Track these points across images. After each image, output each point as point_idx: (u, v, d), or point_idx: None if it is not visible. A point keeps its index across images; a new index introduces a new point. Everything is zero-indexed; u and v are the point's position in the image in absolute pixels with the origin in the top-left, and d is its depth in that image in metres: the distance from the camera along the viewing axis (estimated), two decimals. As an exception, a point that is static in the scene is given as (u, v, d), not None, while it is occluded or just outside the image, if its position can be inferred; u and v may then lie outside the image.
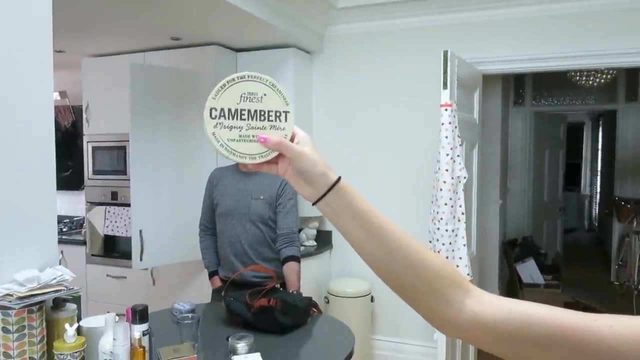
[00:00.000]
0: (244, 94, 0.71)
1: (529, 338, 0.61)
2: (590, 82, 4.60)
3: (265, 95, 0.72)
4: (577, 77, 4.68)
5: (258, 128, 0.71)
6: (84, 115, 3.93)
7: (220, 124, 0.70)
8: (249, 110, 0.71)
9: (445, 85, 2.66)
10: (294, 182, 0.71)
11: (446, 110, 2.65)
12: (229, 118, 0.70)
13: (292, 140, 0.72)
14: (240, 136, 0.70)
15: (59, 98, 4.38)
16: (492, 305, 0.65)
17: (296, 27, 3.43)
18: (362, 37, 3.76)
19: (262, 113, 0.72)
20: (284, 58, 3.66)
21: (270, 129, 0.72)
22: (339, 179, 0.69)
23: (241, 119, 0.71)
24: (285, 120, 0.73)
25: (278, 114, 0.72)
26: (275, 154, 0.71)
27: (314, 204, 0.70)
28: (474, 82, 3.26)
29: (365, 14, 3.66)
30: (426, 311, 0.68)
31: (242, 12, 2.85)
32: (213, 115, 0.70)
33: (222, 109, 0.70)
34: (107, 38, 3.50)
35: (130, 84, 3.08)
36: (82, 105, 3.98)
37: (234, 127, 0.70)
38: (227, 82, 0.71)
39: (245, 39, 3.53)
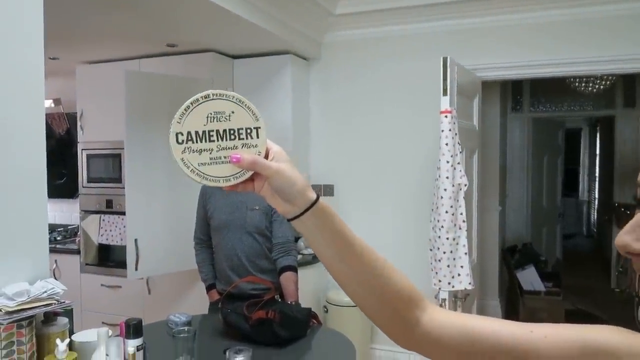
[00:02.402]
0: (211, 113, 0.67)
1: (475, 353, 0.64)
2: (590, 88, 4.58)
3: (233, 112, 0.68)
4: (576, 84, 4.66)
5: (229, 148, 0.67)
6: (79, 123, 3.88)
7: (188, 148, 0.66)
8: (217, 131, 0.67)
9: (445, 92, 2.63)
10: (270, 198, 0.67)
11: (446, 117, 2.61)
12: (197, 141, 0.66)
13: (266, 156, 0.68)
14: (211, 159, 0.66)
15: (53, 105, 4.34)
16: (443, 322, 0.68)
17: (293, 33, 3.40)
18: (360, 43, 3.74)
19: (232, 132, 0.67)
20: (281, 65, 3.63)
21: (242, 147, 0.67)
22: (318, 198, 0.67)
23: (210, 140, 0.67)
24: (257, 137, 0.68)
25: (249, 130, 0.68)
26: (250, 173, 0.67)
27: (289, 220, 0.68)
28: (473, 88, 3.23)
29: (362, 20, 3.64)
30: (384, 327, 0.71)
31: (239, 19, 2.82)
32: (180, 140, 0.66)
33: (188, 132, 0.66)
34: (102, 45, 3.46)
35: (125, 92, 3.04)
36: (76, 113, 3.94)
37: (204, 150, 0.66)
38: (191, 103, 0.67)
39: (242, 45, 3.49)
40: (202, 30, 3.10)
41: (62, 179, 4.32)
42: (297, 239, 3.64)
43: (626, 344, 0.57)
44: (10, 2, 1.48)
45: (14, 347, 1.34)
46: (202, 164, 0.66)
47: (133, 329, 1.48)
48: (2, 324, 1.31)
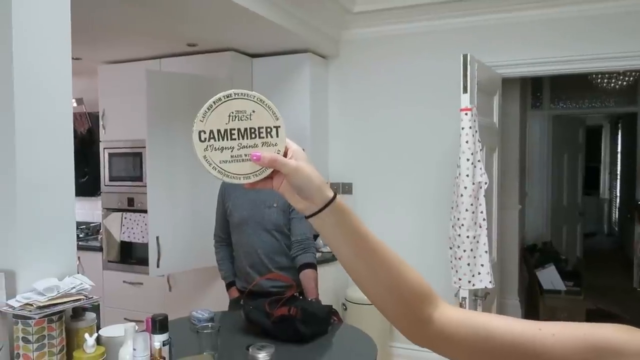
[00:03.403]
0: (232, 112, 0.69)
1: (487, 350, 0.65)
2: (612, 84, 4.51)
3: (254, 112, 0.70)
4: (599, 80, 4.59)
5: (250, 146, 0.69)
6: (101, 122, 3.94)
7: (210, 146, 0.68)
8: (238, 129, 0.69)
9: (465, 90, 2.62)
10: (288, 196, 0.69)
11: (466, 114, 2.60)
12: (219, 139, 0.68)
13: (285, 154, 0.70)
14: (232, 157, 0.69)
15: (75, 105, 4.41)
16: (455, 319, 0.69)
17: (312, 31, 3.41)
18: (378, 41, 3.73)
19: (253, 130, 0.70)
20: (299, 63, 3.64)
21: (262, 145, 0.70)
22: (335, 196, 0.68)
23: (231, 138, 0.69)
24: (277, 136, 0.71)
25: (269, 129, 0.70)
26: (269, 171, 0.69)
27: (307, 218, 0.69)
28: (493, 85, 3.21)
29: (381, 18, 3.63)
30: (397, 323, 0.72)
31: (258, 17, 2.83)
32: (202, 138, 0.68)
33: (211, 131, 0.68)
34: (123, 45, 3.51)
35: (146, 91, 3.08)
36: (98, 112, 4.00)
37: (225, 148, 0.69)
38: (214, 102, 0.69)
39: (260, 44, 3.51)
40: (222, 29, 3.13)
41: (84, 177, 4.39)
42: (315, 237, 3.65)
43: (633, 343, 0.57)
44: (39, 5, 1.51)
45: (45, 341, 1.38)
46: (223, 161, 0.68)
47: (159, 324, 1.51)
48: (34, 319, 1.35)
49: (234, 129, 0.69)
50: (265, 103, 0.71)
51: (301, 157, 0.69)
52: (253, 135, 0.70)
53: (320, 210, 0.67)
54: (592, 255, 7.45)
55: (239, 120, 0.69)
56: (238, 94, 0.70)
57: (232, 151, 0.69)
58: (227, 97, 0.69)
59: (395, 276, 0.69)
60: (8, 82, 1.42)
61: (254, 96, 0.70)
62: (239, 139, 0.69)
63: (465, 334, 0.67)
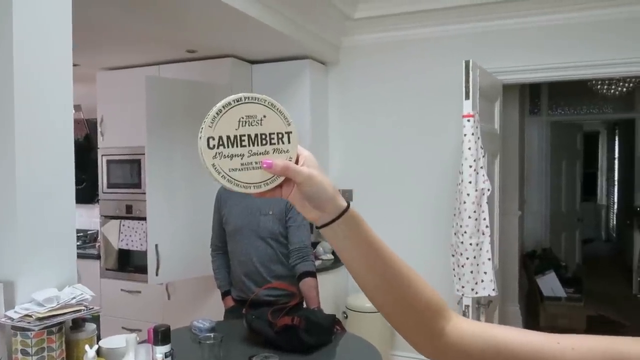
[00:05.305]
0: (242, 117, 0.65)
1: None
2: (612, 91, 4.51)
3: (264, 117, 0.66)
4: (598, 86, 4.60)
5: (260, 153, 0.65)
6: (99, 129, 3.91)
7: (219, 153, 0.63)
8: (249, 135, 0.65)
9: (467, 96, 2.61)
10: (299, 205, 0.66)
11: (468, 121, 2.59)
12: (228, 146, 0.64)
13: (296, 162, 0.67)
14: (242, 164, 0.64)
15: (73, 112, 4.37)
16: (468, 332, 0.67)
17: (312, 38, 3.40)
18: (378, 47, 3.72)
19: (264, 137, 0.66)
20: (299, 69, 3.63)
21: (274, 152, 0.66)
22: (349, 205, 0.66)
23: (241, 145, 0.65)
24: (289, 142, 0.67)
25: (280, 135, 0.67)
26: (281, 179, 0.65)
27: (318, 228, 0.66)
28: (494, 92, 3.20)
29: (381, 24, 3.62)
30: (408, 337, 0.70)
31: (258, 24, 2.82)
32: (211, 145, 0.63)
33: (220, 137, 0.64)
34: (121, 51, 3.49)
35: (146, 97, 3.05)
36: (95, 119, 3.97)
37: (235, 155, 0.64)
38: (223, 106, 0.64)
39: (260, 50, 3.50)
40: (221, 35, 3.11)
41: (81, 184, 4.35)
42: (316, 244, 3.62)
43: None
44: (40, 11, 1.49)
45: (45, 354, 1.34)
46: (233, 169, 0.64)
47: (161, 335, 1.47)
48: (34, 330, 1.32)
49: (244, 135, 0.65)
50: (276, 107, 0.68)
51: (313, 165, 0.66)
52: (264, 142, 0.66)
53: (333, 221, 0.64)
54: (591, 262, 7.45)
55: (249, 125, 0.65)
56: (248, 98, 0.66)
57: (242, 158, 0.65)
58: (237, 101, 0.65)
59: (407, 289, 0.67)
60: (8, 90, 1.40)
61: (265, 100, 0.67)
62: (249, 145, 0.65)
63: (478, 348, 0.65)
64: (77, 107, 4.38)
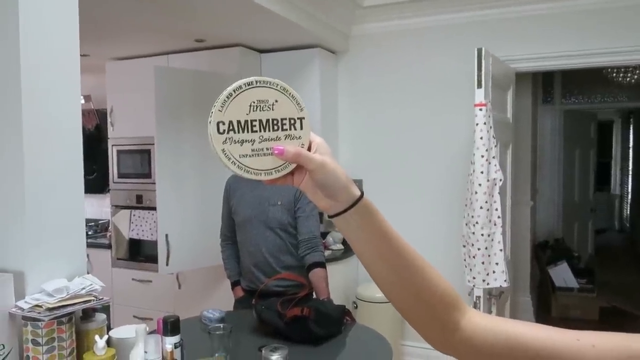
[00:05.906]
0: (254, 102, 0.63)
1: (519, 358, 0.61)
2: (627, 79, 4.43)
3: (276, 101, 0.64)
4: (613, 74, 4.51)
5: (272, 139, 0.63)
6: (109, 119, 3.92)
7: (229, 138, 0.62)
8: (260, 121, 0.63)
9: (479, 84, 2.57)
10: (311, 193, 0.64)
11: (481, 110, 2.55)
12: (238, 131, 0.62)
13: (309, 148, 0.65)
14: (252, 150, 0.62)
15: (83, 102, 4.39)
16: (482, 327, 0.65)
17: (321, 26, 3.36)
18: (388, 35, 3.68)
19: (275, 122, 0.64)
20: (309, 58, 3.60)
21: (285, 138, 0.64)
22: (362, 195, 0.63)
23: (252, 131, 0.63)
24: (301, 128, 0.65)
25: (292, 121, 0.64)
26: (292, 166, 0.63)
27: (330, 217, 0.64)
28: (507, 80, 3.15)
29: (391, 12, 3.58)
30: (421, 329, 0.68)
31: (267, 12, 2.79)
32: (221, 130, 0.61)
33: (230, 122, 0.62)
34: (131, 41, 3.48)
35: (155, 87, 3.05)
36: (105, 109, 3.98)
37: (245, 140, 0.62)
38: (234, 90, 0.62)
39: (269, 39, 3.47)
40: (230, 24, 3.09)
41: (92, 174, 4.38)
42: (326, 234, 3.61)
43: None
44: (47, 1, 1.48)
45: (55, 344, 1.35)
46: (243, 155, 0.62)
47: (171, 326, 1.47)
48: (44, 320, 1.32)
49: (255, 120, 0.63)
50: (288, 92, 0.65)
51: (326, 151, 0.64)
52: (275, 127, 0.64)
53: (345, 210, 0.62)
54: (604, 252, 7.38)
55: (260, 110, 0.63)
56: (260, 82, 0.64)
57: (252, 144, 0.63)
58: (249, 84, 0.63)
59: (422, 281, 0.65)
60: (16, 81, 1.39)
61: (277, 84, 0.65)
62: (260, 131, 0.63)
63: (493, 343, 0.63)
64: (87, 98, 4.39)
